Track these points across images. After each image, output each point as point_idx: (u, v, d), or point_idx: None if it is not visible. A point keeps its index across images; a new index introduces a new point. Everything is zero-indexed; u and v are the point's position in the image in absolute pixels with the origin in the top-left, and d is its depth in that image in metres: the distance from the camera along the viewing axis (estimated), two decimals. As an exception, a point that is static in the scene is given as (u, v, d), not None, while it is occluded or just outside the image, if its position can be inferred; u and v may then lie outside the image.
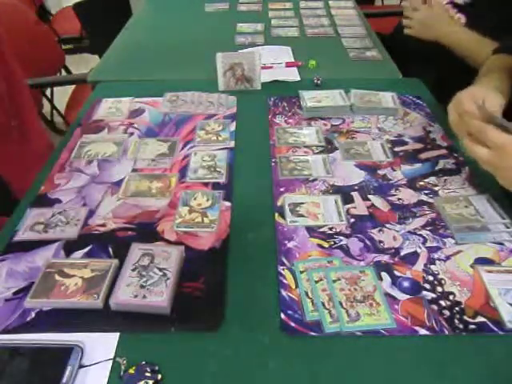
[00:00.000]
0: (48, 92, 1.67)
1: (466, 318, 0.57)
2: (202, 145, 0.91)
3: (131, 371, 0.51)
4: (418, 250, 0.66)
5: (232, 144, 0.91)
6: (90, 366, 0.52)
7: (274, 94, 1.08)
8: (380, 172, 0.82)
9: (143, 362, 0.52)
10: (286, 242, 0.68)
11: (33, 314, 0.58)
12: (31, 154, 1.01)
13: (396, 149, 0.89)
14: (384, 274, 0.62)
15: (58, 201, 0.76)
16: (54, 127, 1.65)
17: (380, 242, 0.68)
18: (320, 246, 0.67)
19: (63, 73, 1.90)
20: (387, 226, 0.71)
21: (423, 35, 1.20)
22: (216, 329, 0.56)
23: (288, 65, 1.21)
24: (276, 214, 0.73)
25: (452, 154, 0.87)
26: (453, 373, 0.52)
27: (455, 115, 0.76)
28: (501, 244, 0.67)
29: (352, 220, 0.72)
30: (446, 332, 0.55)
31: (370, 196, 0.77)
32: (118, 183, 0.80)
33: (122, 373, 0.51)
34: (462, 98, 0.76)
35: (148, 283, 0.60)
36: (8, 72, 0.84)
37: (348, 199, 0.76)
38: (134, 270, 0.62)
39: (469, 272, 0.63)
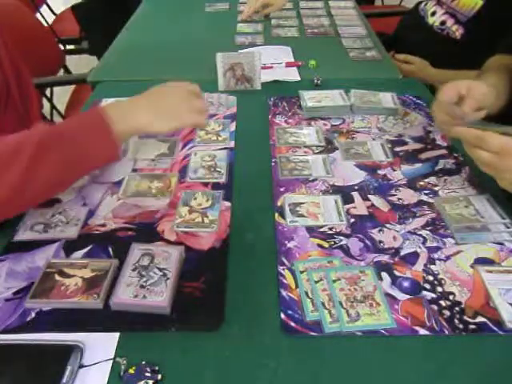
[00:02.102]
0: (48, 92, 1.67)
1: (465, 318, 0.57)
2: (201, 145, 0.91)
3: (131, 371, 0.51)
4: (418, 250, 0.66)
5: (232, 144, 0.91)
6: (90, 365, 0.52)
7: (274, 94, 1.08)
8: (380, 172, 0.82)
9: (143, 362, 0.52)
10: (286, 242, 0.68)
11: (33, 314, 0.58)
12: None
13: (396, 149, 0.89)
14: (384, 274, 0.62)
15: (58, 201, 0.76)
16: (54, 127, 1.65)
17: (380, 242, 0.68)
18: (320, 245, 0.67)
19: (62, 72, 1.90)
20: (387, 226, 0.71)
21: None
22: (216, 329, 0.56)
23: (288, 65, 1.21)
24: (276, 214, 0.73)
25: (452, 154, 0.87)
26: (453, 373, 0.52)
27: (440, 115, 0.78)
28: (501, 244, 0.67)
29: (352, 220, 0.72)
30: (446, 332, 0.55)
31: (369, 196, 0.77)
32: (118, 183, 0.80)
33: (121, 373, 0.51)
34: (444, 89, 0.78)
35: (148, 283, 0.60)
36: (18, 74, 0.84)
37: (348, 199, 0.76)
38: (134, 270, 0.62)
39: (469, 272, 0.63)
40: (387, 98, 1.03)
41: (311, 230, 0.70)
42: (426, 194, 0.77)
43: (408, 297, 0.59)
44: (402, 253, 0.66)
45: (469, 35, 1.25)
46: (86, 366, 0.52)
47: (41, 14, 2.36)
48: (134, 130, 0.68)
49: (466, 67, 1.19)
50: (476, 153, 0.68)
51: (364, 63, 1.25)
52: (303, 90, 1.06)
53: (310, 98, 1.02)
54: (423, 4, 1.46)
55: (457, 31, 1.28)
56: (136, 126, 0.67)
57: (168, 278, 0.60)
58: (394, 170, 0.83)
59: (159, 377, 0.51)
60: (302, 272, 0.63)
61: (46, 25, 2.24)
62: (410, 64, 1.32)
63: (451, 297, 0.59)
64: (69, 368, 0.51)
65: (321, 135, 0.92)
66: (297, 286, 0.61)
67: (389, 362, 0.53)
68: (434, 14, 1.38)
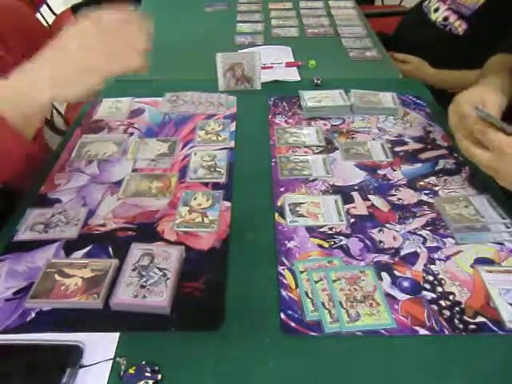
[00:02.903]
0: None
1: (465, 318, 0.57)
2: (201, 145, 0.91)
3: (131, 371, 0.51)
4: (418, 250, 0.66)
5: (232, 144, 0.91)
6: (89, 365, 0.52)
7: (274, 94, 1.08)
8: (380, 172, 0.82)
9: (143, 362, 0.52)
10: (286, 242, 0.68)
11: (33, 314, 0.58)
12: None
13: (396, 149, 0.89)
14: (384, 274, 0.62)
15: (58, 201, 0.76)
16: (53, 127, 1.65)
17: (380, 241, 0.68)
18: (320, 246, 0.67)
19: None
20: (387, 226, 0.71)
21: None
22: (216, 329, 0.56)
23: (288, 65, 1.21)
24: (276, 214, 0.73)
25: (452, 154, 0.86)
26: (453, 373, 0.52)
27: (455, 118, 0.76)
28: (501, 244, 0.67)
29: (352, 220, 0.72)
30: (446, 332, 0.55)
31: (370, 196, 0.77)
32: (118, 183, 0.80)
33: (121, 373, 0.51)
34: (461, 100, 0.76)
35: (148, 283, 0.60)
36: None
37: (348, 199, 0.76)
38: (134, 270, 0.62)
39: (469, 272, 0.63)
40: (387, 98, 1.03)
41: (311, 230, 0.70)
42: (426, 194, 0.77)
43: (408, 297, 0.59)
44: (402, 253, 0.66)
45: (471, 31, 1.25)
46: (86, 366, 0.52)
47: (41, 14, 2.36)
48: (37, 113, 0.58)
49: (467, 65, 1.19)
50: (475, 152, 0.68)
51: (364, 63, 1.25)
52: (303, 90, 1.06)
53: (310, 98, 1.02)
54: (427, 1, 1.46)
55: (459, 27, 1.28)
56: (37, 109, 0.57)
57: (168, 278, 0.60)
58: (394, 170, 0.83)
59: (159, 377, 0.51)
60: (301, 272, 0.63)
61: (46, 25, 2.24)
62: (408, 63, 1.32)
63: (451, 297, 0.59)
64: (69, 368, 0.51)
65: (321, 135, 0.92)
66: (297, 286, 0.61)
67: (389, 362, 0.53)
68: (436, 10, 1.38)
